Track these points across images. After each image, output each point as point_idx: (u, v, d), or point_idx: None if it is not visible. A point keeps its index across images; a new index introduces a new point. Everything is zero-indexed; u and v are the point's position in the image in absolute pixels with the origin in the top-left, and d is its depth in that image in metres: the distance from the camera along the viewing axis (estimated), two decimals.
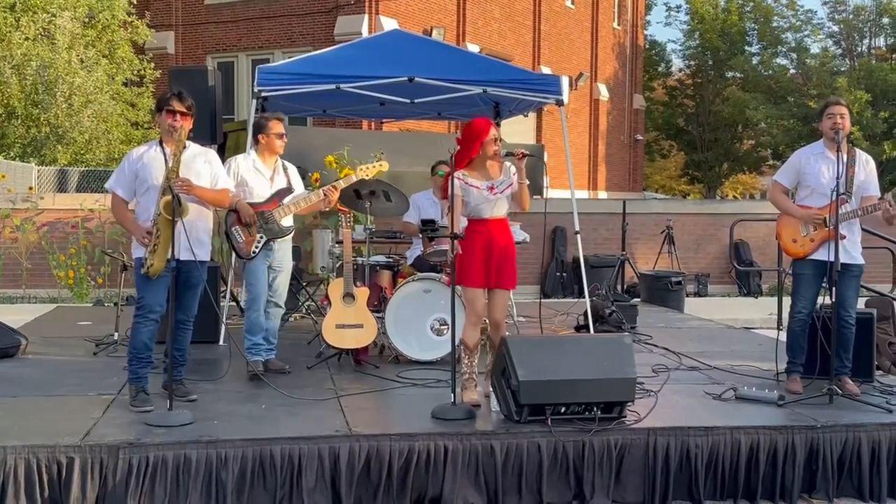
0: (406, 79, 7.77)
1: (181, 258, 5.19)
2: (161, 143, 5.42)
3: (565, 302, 10.83)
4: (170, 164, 5.24)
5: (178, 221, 5.12)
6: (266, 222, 6.26)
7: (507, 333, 5.65)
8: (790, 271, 6.17)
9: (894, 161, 26.44)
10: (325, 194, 6.39)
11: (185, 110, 5.39)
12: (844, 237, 5.74)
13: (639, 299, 11.34)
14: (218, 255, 10.05)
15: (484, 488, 4.83)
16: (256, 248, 6.25)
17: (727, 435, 5.04)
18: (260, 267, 6.35)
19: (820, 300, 6.02)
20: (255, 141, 6.50)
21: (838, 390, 5.68)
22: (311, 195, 6.44)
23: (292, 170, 6.61)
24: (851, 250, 5.87)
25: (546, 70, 22.69)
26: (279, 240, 6.37)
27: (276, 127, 6.42)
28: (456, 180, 5.49)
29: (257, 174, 6.38)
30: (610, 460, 4.93)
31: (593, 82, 27.95)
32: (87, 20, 17.19)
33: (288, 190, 6.42)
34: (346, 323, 6.51)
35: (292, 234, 6.50)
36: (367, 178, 6.69)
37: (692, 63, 35.16)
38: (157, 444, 4.53)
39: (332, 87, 7.83)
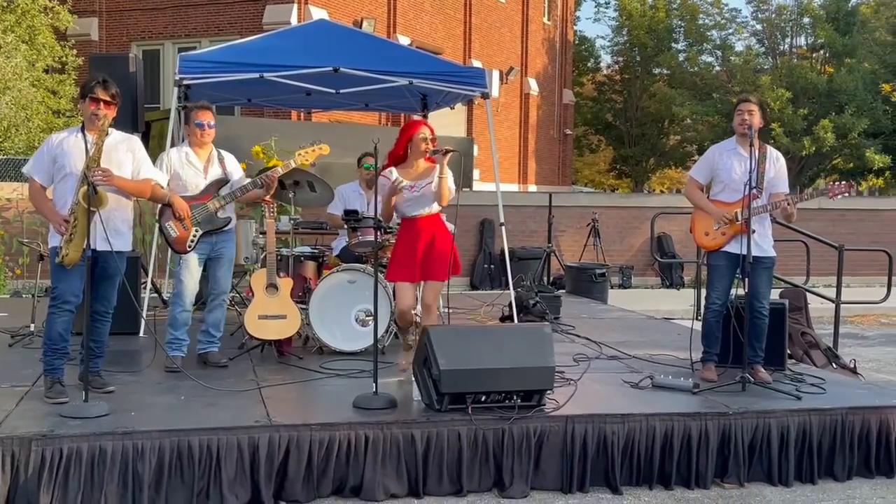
0: (331, 69, 7.74)
1: (97, 248, 5.13)
2: (83, 129, 5.32)
3: (492, 293, 10.92)
4: (90, 153, 5.14)
5: (94, 212, 5.03)
6: (201, 215, 6.16)
7: (435, 320, 5.93)
8: (706, 263, 6.34)
9: (814, 157, 27.20)
10: (262, 182, 6.30)
11: (109, 99, 5.28)
12: (755, 231, 5.91)
13: (563, 291, 11.50)
14: (140, 245, 9.89)
15: (405, 477, 4.86)
16: (192, 242, 6.14)
17: (643, 422, 5.15)
18: (193, 263, 6.23)
19: (735, 291, 6.20)
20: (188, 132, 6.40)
21: (751, 378, 5.86)
22: (248, 184, 6.32)
23: (230, 159, 6.47)
24: (762, 243, 6.05)
25: (477, 64, 22.79)
26: (217, 232, 6.25)
27: (197, 116, 6.29)
28: (383, 178, 5.82)
29: (190, 166, 6.26)
30: (529, 447, 5.00)
31: (523, 77, 28.15)
32: (5, 4, 16.66)
33: (223, 181, 6.31)
34: (268, 314, 6.47)
35: (231, 224, 6.36)
36: (306, 163, 6.64)
37: (620, 59, 35.63)
38: (71, 436, 4.45)
39: (256, 75, 7.75)
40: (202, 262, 6.30)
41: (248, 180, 6.38)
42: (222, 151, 6.48)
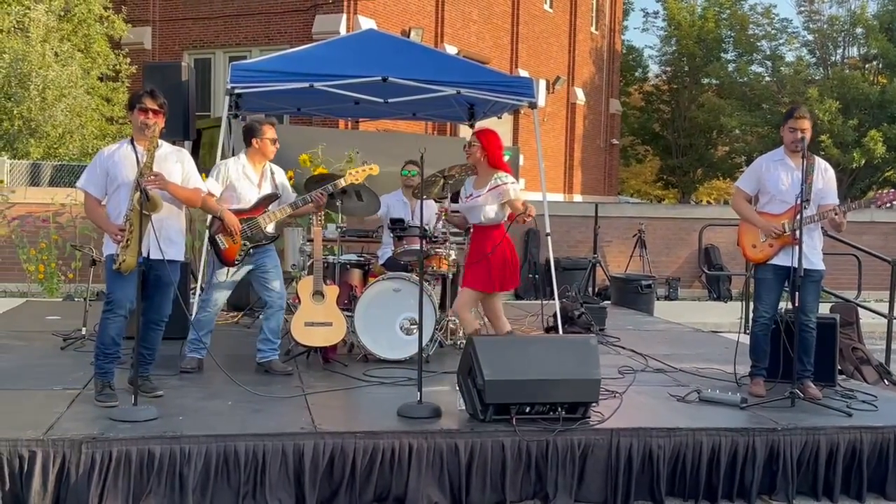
0: (380, 78, 7.78)
1: (151, 257, 5.23)
2: (132, 141, 5.42)
3: (536, 303, 10.88)
4: (142, 162, 5.24)
5: (148, 216, 5.10)
6: (250, 230, 6.26)
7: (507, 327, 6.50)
8: (754, 275, 6.26)
9: (865, 169, 26.74)
10: (313, 199, 6.41)
11: (157, 108, 5.37)
12: (803, 243, 5.81)
13: (609, 302, 11.42)
14: (189, 251, 10.01)
15: (448, 487, 4.86)
16: (240, 256, 6.26)
17: (689, 436, 5.10)
18: (230, 272, 6.35)
19: (783, 305, 6.11)
20: (248, 144, 6.44)
21: (800, 394, 5.77)
22: (297, 200, 6.45)
23: (279, 173, 6.58)
24: (811, 256, 5.94)
25: (523, 73, 22.76)
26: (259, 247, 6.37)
27: (271, 132, 6.40)
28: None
29: (246, 179, 6.37)
30: (573, 460, 4.97)
31: (570, 86, 28.05)
32: (62, 13, 17.04)
33: (274, 196, 6.43)
34: (315, 321, 6.52)
35: (276, 239, 6.48)
36: (356, 182, 6.72)
37: (668, 69, 35.38)
38: (120, 439, 4.52)
39: (306, 85, 7.81)
40: (241, 274, 6.42)
41: (297, 196, 6.49)
42: (273, 166, 6.58)
